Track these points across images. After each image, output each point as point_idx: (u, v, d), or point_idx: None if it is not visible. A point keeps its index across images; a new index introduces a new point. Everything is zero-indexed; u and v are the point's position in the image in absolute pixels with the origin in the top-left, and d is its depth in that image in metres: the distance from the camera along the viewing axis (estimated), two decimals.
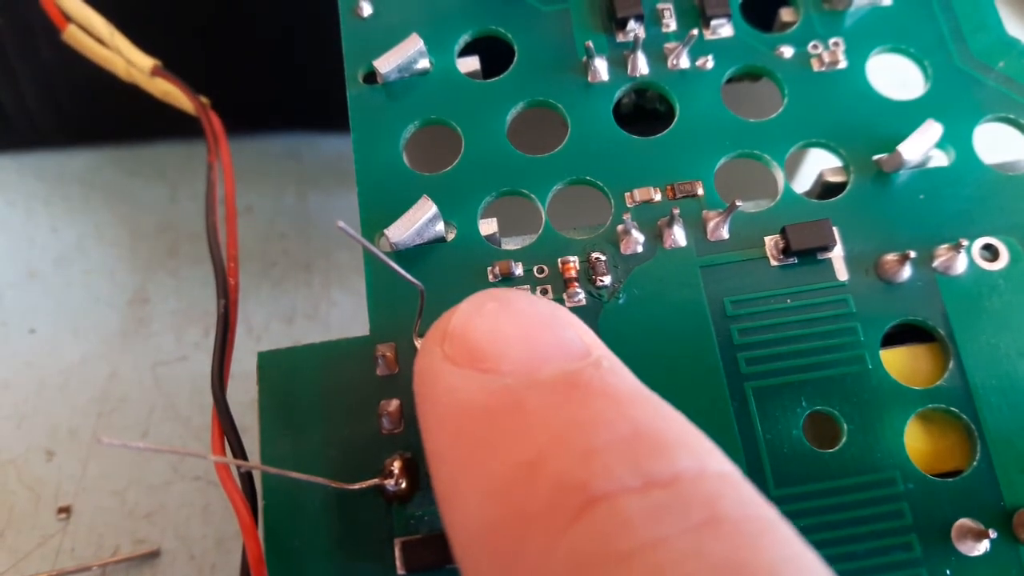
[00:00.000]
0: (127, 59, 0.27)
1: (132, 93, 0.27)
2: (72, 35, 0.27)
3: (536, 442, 0.13)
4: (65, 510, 0.27)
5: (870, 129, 0.21)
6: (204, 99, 0.27)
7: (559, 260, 0.20)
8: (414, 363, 0.16)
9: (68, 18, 0.27)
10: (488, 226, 0.21)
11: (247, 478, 0.19)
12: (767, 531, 0.12)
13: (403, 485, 0.19)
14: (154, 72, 0.27)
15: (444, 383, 0.15)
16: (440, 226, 0.20)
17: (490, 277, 0.20)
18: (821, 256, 0.20)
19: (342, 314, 0.31)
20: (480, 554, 0.13)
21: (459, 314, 0.16)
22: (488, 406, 0.14)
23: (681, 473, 0.13)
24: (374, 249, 0.17)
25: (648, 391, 0.15)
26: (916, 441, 0.19)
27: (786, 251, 0.20)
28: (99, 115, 0.33)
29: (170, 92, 0.27)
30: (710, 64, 0.22)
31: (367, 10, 0.23)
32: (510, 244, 0.21)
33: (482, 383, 0.15)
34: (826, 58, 0.22)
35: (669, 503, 0.12)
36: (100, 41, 0.27)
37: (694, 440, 0.14)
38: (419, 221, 0.20)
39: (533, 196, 0.21)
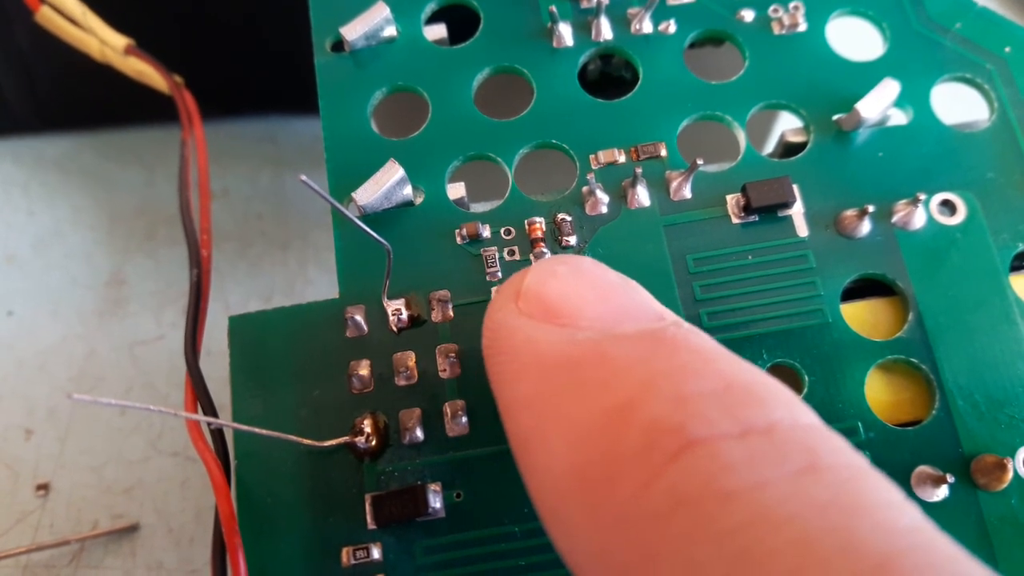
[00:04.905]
0: (100, 39, 0.27)
1: (109, 78, 0.28)
2: (45, 16, 0.27)
3: (625, 389, 0.14)
4: (43, 487, 0.28)
5: (830, 90, 0.22)
6: (178, 78, 0.27)
7: (526, 222, 0.21)
8: (484, 320, 0.16)
9: None
10: (456, 190, 0.21)
11: (219, 439, 0.20)
12: (865, 477, 0.13)
13: (373, 443, 0.19)
14: (127, 51, 0.27)
15: (522, 335, 0.15)
16: (408, 190, 0.21)
17: (458, 239, 0.21)
18: (781, 213, 0.21)
19: (317, 292, 0.32)
20: (567, 496, 0.14)
21: (532, 274, 0.16)
22: (571, 356, 0.14)
23: (776, 423, 0.13)
24: (337, 204, 0.17)
25: (729, 351, 0.15)
26: (877, 392, 0.20)
27: (747, 208, 0.20)
28: (76, 100, 0.34)
29: (144, 71, 0.27)
30: (672, 28, 0.22)
31: None
32: (478, 208, 0.21)
33: (563, 335, 0.15)
34: (786, 21, 0.22)
35: (768, 449, 0.12)
36: (73, 21, 0.27)
37: (784, 393, 0.14)
38: (386, 184, 0.20)
39: (500, 160, 0.21)
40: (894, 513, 0.12)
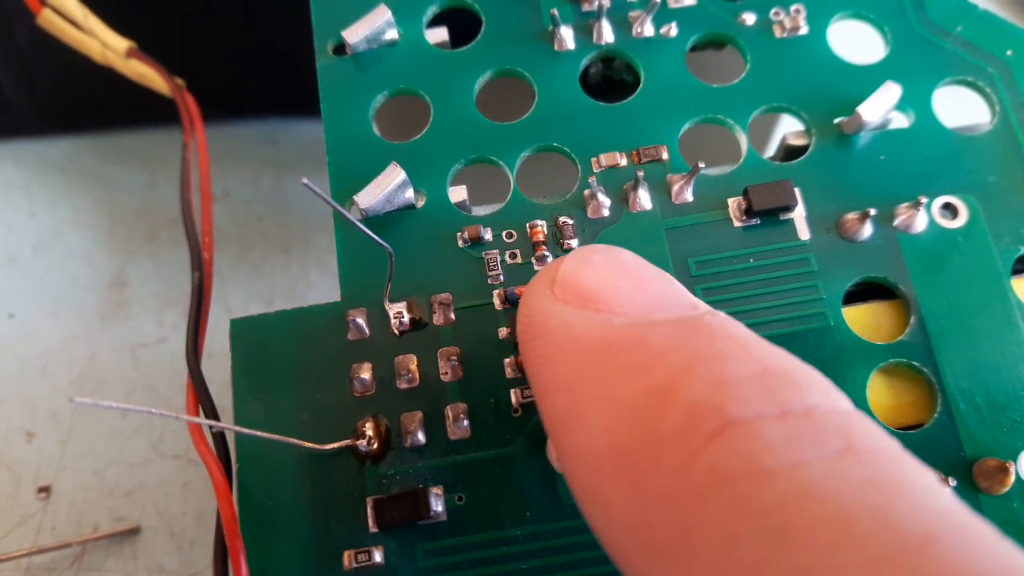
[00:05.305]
0: (102, 41, 0.27)
1: (110, 80, 0.28)
2: (47, 19, 0.27)
3: (665, 371, 0.14)
4: (45, 490, 0.28)
5: (831, 93, 0.22)
6: (179, 80, 0.27)
7: (527, 225, 0.21)
8: (519, 307, 0.17)
9: (42, 2, 0.27)
10: (458, 193, 0.21)
11: (221, 442, 0.20)
12: (901, 460, 0.13)
13: (375, 446, 0.19)
14: (129, 54, 0.27)
15: (559, 319, 0.16)
16: (410, 193, 0.21)
17: (459, 242, 0.21)
18: (783, 216, 0.21)
19: (319, 295, 0.32)
20: (606, 474, 0.14)
21: (568, 262, 0.16)
22: (608, 340, 0.15)
23: (814, 406, 0.13)
24: (339, 208, 0.17)
25: (765, 339, 0.15)
26: (879, 396, 0.20)
27: (748, 212, 0.20)
28: (77, 102, 0.34)
29: (145, 74, 0.27)
30: (674, 31, 0.22)
31: None
32: (480, 211, 0.21)
33: (599, 320, 0.15)
34: (787, 24, 0.22)
35: (806, 431, 0.13)
36: (75, 24, 0.27)
37: (820, 379, 0.14)
38: (388, 187, 0.20)
39: (502, 163, 0.21)
40: (932, 494, 0.12)
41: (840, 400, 0.14)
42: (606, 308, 0.15)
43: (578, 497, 0.15)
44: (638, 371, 0.14)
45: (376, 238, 0.18)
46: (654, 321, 0.15)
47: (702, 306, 0.16)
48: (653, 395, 0.14)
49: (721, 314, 0.15)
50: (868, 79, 0.22)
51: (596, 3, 0.22)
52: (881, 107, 0.21)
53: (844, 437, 0.13)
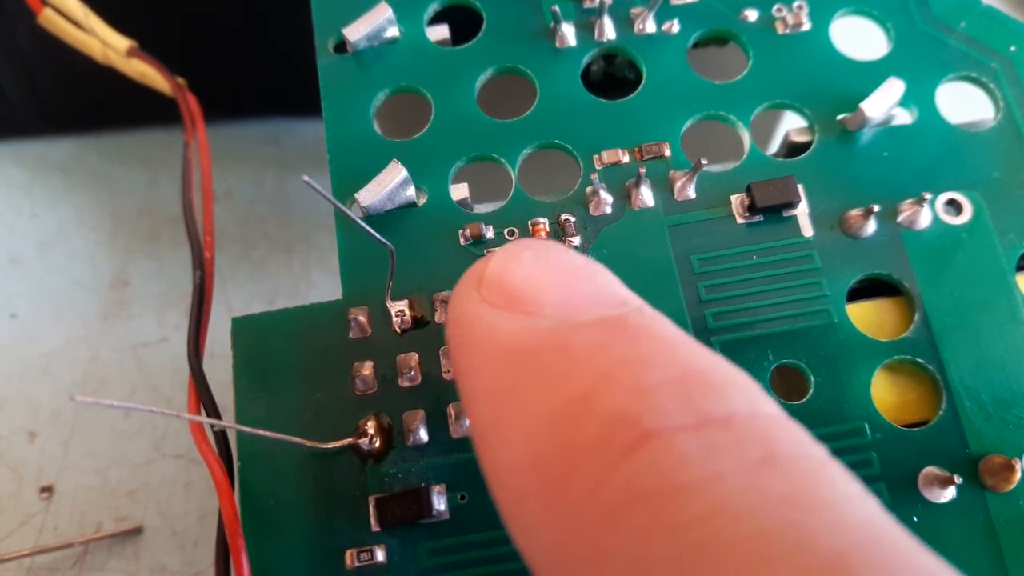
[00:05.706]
0: (103, 40, 0.27)
1: (111, 79, 0.28)
2: (48, 18, 0.27)
3: (584, 379, 0.13)
4: (47, 490, 0.28)
5: (834, 89, 0.22)
6: (180, 80, 0.27)
7: (529, 222, 0.21)
8: (448, 310, 0.16)
9: (43, 2, 0.27)
10: (459, 191, 0.21)
11: (223, 441, 0.20)
12: (823, 469, 0.12)
13: (377, 444, 0.19)
14: (130, 53, 0.27)
15: (484, 324, 0.15)
16: (411, 191, 0.21)
17: (461, 240, 0.21)
18: (786, 213, 0.21)
19: (321, 294, 0.31)
20: (525, 489, 0.13)
21: (495, 260, 0.16)
22: (531, 345, 0.14)
23: (734, 413, 0.13)
24: (340, 206, 0.17)
25: (691, 338, 0.14)
26: (883, 393, 0.20)
27: (752, 208, 0.20)
28: (78, 102, 0.34)
29: (146, 73, 0.27)
30: (676, 28, 0.22)
31: None
32: (481, 208, 0.21)
33: (524, 323, 0.14)
34: (790, 20, 0.22)
35: (725, 441, 0.12)
36: (75, 23, 0.27)
37: (743, 382, 0.14)
38: (389, 184, 0.20)
39: (503, 160, 0.21)
40: (852, 506, 0.12)
41: (763, 404, 0.13)
42: (534, 309, 0.15)
43: (502, 516, 0.14)
44: (559, 379, 0.14)
45: (377, 236, 0.18)
46: (579, 323, 0.14)
47: (632, 302, 0.15)
48: (573, 405, 0.13)
49: (649, 310, 0.15)
50: (871, 75, 0.22)
51: (597, 0, 0.22)
52: (884, 103, 0.21)
53: (765, 445, 0.12)
